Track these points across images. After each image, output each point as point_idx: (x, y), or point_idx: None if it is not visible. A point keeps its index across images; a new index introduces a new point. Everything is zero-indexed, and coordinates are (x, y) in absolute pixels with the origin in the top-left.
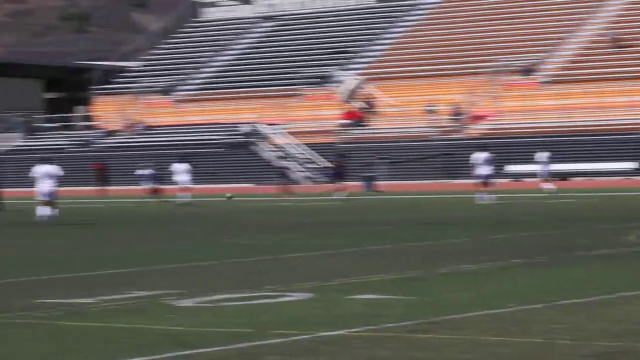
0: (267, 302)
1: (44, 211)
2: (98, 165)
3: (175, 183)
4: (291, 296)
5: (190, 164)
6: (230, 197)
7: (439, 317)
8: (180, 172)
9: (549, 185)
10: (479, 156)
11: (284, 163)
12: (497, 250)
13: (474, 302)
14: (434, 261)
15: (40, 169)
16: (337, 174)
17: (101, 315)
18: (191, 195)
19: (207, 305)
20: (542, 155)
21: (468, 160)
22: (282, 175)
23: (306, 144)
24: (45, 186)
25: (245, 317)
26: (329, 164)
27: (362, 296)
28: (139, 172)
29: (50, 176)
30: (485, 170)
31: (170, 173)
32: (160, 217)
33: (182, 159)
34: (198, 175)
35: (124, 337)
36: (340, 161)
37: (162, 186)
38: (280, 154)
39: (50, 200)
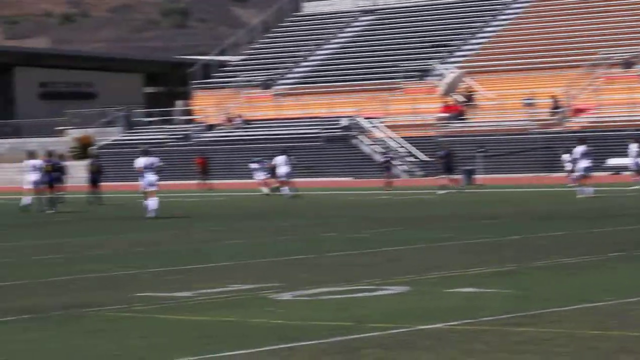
0: (365, 296)
1: (149, 203)
2: (200, 159)
3: (279, 176)
4: (389, 290)
5: (289, 157)
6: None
7: (537, 310)
8: (281, 164)
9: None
10: (577, 150)
11: (388, 156)
12: (595, 243)
13: (572, 296)
14: (532, 254)
15: (142, 161)
16: (447, 167)
17: (200, 308)
18: (292, 188)
19: (306, 298)
20: (633, 147)
21: (568, 153)
22: (386, 168)
23: (405, 137)
24: (147, 177)
25: (343, 311)
26: (432, 158)
27: (459, 289)
28: (253, 165)
29: (151, 167)
30: (583, 163)
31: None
32: (263, 210)
33: (283, 151)
34: (296, 169)
35: (223, 331)
36: (448, 155)
37: (276, 179)
38: (380, 147)
39: (152, 191)
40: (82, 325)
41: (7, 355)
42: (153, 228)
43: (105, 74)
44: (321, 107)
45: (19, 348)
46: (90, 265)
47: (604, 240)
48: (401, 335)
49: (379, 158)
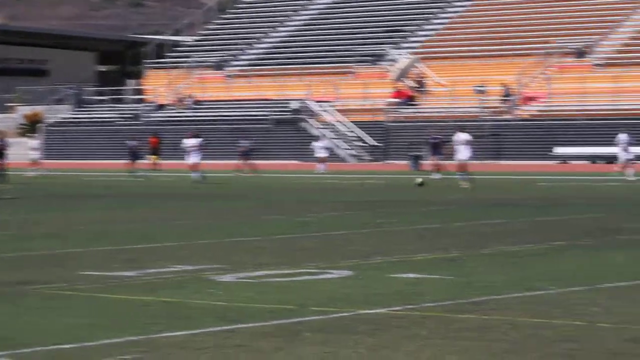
0: (308, 279)
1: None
2: (153, 139)
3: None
4: (332, 274)
5: (249, 140)
6: (421, 183)
7: (480, 297)
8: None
9: (630, 170)
10: (459, 138)
11: (438, 137)
12: (542, 231)
13: (515, 284)
14: (479, 241)
15: (189, 142)
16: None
17: (142, 288)
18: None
19: (248, 281)
20: (621, 138)
21: (516, 141)
22: (434, 149)
23: (354, 122)
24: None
25: (285, 294)
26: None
27: (402, 275)
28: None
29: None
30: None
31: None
32: (210, 192)
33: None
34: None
35: (164, 311)
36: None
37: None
38: (433, 129)
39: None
40: (25, 303)
41: None
42: (98, 207)
43: (59, 52)
44: (272, 89)
45: None
46: (36, 243)
47: (551, 228)
48: (342, 319)
49: (428, 139)
